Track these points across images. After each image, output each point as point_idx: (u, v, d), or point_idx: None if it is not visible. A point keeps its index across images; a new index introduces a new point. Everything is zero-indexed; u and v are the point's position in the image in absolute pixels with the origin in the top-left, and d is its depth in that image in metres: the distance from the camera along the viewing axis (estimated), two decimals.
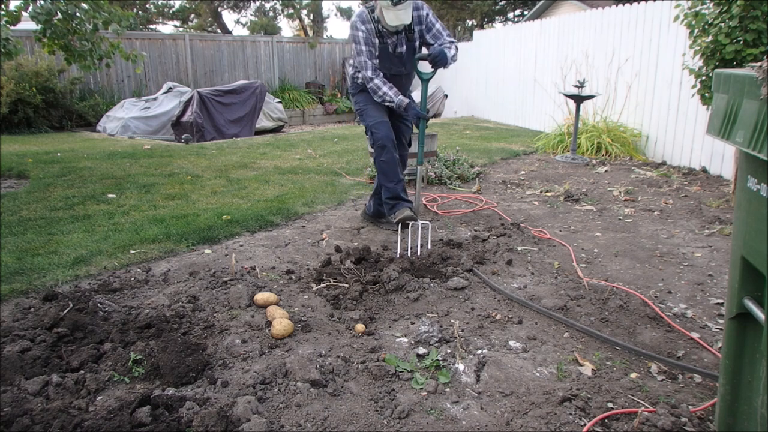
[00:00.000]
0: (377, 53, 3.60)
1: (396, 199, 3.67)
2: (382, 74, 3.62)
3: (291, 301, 2.90)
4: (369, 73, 3.54)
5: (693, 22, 4.81)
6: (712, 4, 4.69)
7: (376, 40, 3.56)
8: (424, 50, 3.73)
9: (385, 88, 3.55)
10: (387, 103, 3.61)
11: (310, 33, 26.87)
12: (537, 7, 17.27)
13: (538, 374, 2.25)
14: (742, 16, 4.32)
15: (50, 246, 3.67)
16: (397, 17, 3.38)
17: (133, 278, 3.16)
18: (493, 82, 11.86)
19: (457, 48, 3.67)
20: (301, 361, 2.26)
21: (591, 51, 8.32)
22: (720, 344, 2.46)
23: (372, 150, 3.80)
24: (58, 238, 3.84)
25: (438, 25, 3.69)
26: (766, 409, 1.34)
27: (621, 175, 6.15)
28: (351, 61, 3.82)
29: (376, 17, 3.52)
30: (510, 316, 2.76)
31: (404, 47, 3.65)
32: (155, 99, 10.80)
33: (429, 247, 3.64)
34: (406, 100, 3.59)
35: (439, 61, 3.48)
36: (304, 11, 27.26)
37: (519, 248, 3.75)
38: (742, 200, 1.47)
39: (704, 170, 6.26)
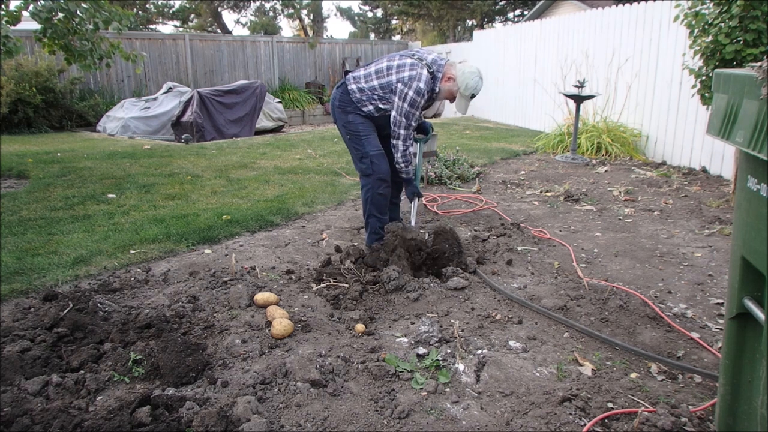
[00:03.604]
0: None
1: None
2: None
3: (291, 301, 2.90)
4: (409, 132, 3.47)
5: (693, 22, 4.81)
6: (712, 4, 4.69)
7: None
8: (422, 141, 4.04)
9: (409, 160, 3.55)
10: (401, 164, 3.53)
11: (310, 33, 26.88)
12: (537, 7, 17.27)
13: (538, 374, 2.25)
14: (742, 16, 4.32)
15: (50, 246, 3.67)
16: (466, 108, 3.48)
17: (133, 278, 3.16)
18: (493, 82, 11.85)
19: None
20: (301, 361, 2.26)
21: (591, 51, 8.32)
22: (720, 344, 2.46)
23: (365, 178, 3.60)
24: (58, 238, 3.84)
25: None
26: (766, 409, 1.34)
27: (621, 175, 6.15)
28: (362, 83, 3.51)
29: (438, 89, 3.43)
30: (510, 316, 2.76)
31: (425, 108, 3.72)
32: (155, 99, 10.79)
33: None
34: (412, 176, 3.67)
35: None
36: (304, 11, 27.28)
37: (519, 248, 3.75)
38: (742, 200, 1.47)
39: (704, 170, 6.26)
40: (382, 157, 3.53)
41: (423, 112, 3.87)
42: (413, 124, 3.46)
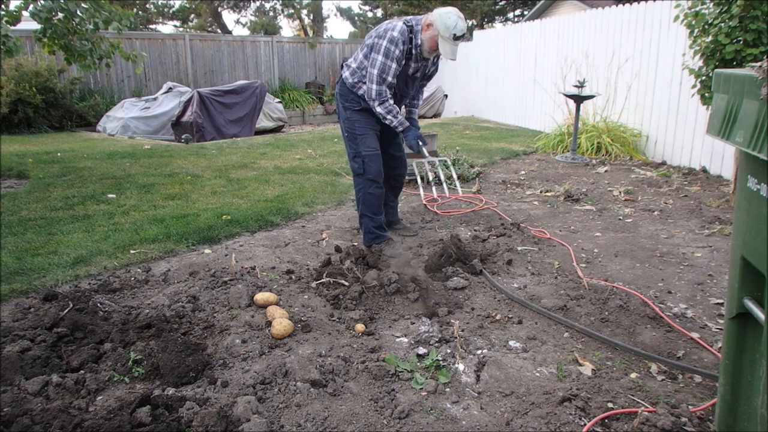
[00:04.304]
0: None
1: (381, 230, 3.64)
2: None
3: (291, 301, 2.90)
4: (384, 88, 3.38)
5: (693, 22, 4.80)
6: (712, 4, 4.69)
7: (403, 62, 3.44)
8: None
9: (395, 112, 3.46)
10: (386, 117, 3.45)
11: (310, 33, 26.87)
12: (537, 7, 17.27)
13: (538, 374, 2.25)
14: (742, 16, 4.32)
15: (50, 246, 3.67)
16: (452, 51, 3.35)
17: (133, 278, 3.16)
18: (493, 82, 11.86)
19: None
20: (301, 361, 2.26)
21: (591, 51, 8.32)
22: (720, 344, 2.46)
23: (357, 178, 3.62)
24: (58, 238, 3.83)
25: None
26: (766, 409, 1.34)
27: (621, 175, 6.14)
28: (353, 65, 3.54)
29: (420, 41, 3.39)
30: (510, 316, 2.76)
31: (419, 72, 3.61)
32: (155, 99, 10.79)
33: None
34: (407, 123, 3.55)
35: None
36: (304, 11, 27.27)
37: (519, 248, 3.75)
38: (742, 200, 1.47)
39: (704, 170, 6.26)
40: (375, 158, 3.52)
41: (420, 81, 3.71)
42: (389, 79, 3.36)
